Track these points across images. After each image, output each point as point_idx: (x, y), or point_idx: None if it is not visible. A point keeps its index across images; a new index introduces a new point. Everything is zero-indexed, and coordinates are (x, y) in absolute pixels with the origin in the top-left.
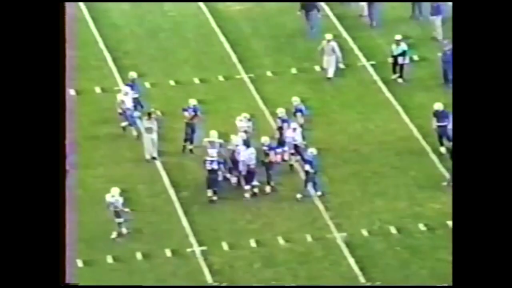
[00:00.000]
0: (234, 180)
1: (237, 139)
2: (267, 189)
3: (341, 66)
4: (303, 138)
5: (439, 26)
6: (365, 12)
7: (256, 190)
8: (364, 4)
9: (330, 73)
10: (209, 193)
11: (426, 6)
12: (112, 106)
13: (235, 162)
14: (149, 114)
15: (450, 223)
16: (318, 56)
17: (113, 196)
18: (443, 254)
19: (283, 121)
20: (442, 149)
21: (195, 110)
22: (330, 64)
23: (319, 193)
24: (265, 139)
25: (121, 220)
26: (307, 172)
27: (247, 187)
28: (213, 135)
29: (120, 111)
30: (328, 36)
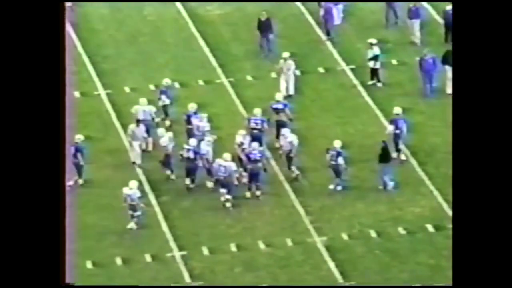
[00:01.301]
0: (210, 184)
1: (206, 148)
2: (247, 194)
3: (292, 91)
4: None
5: (417, 30)
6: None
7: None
8: (321, 9)
9: (291, 91)
10: (187, 181)
11: (402, 9)
12: (91, 111)
13: (209, 170)
14: (138, 121)
15: (429, 226)
16: (276, 75)
17: (131, 188)
18: (423, 257)
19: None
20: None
21: (195, 113)
22: (289, 82)
23: (339, 188)
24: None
25: (137, 213)
26: (338, 165)
27: (227, 197)
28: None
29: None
30: (285, 54)
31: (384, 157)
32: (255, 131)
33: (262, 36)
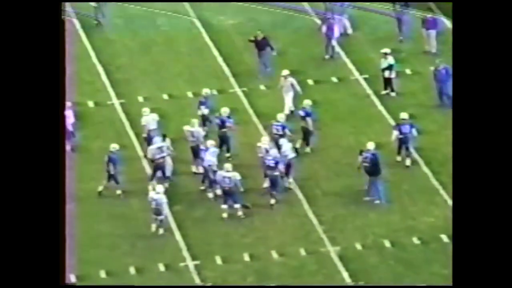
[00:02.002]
0: (211, 195)
1: (211, 158)
2: (272, 201)
3: (291, 109)
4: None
5: (433, 39)
6: (323, 30)
7: (239, 211)
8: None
9: (292, 107)
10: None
11: (409, 21)
12: (104, 120)
13: (214, 181)
14: (164, 136)
15: (443, 236)
16: (280, 93)
17: (158, 193)
18: (436, 267)
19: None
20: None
21: (229, 117)
22: (289, 99)
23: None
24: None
25: (160, 217)
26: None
27: (236, 206)
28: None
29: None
30: (285, 72)
31: (374, 169)
32: (276, 136)
33: (260, 55)
